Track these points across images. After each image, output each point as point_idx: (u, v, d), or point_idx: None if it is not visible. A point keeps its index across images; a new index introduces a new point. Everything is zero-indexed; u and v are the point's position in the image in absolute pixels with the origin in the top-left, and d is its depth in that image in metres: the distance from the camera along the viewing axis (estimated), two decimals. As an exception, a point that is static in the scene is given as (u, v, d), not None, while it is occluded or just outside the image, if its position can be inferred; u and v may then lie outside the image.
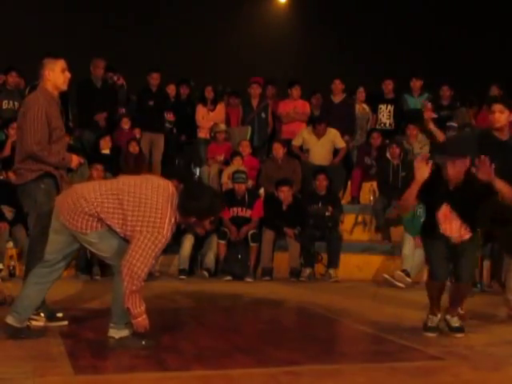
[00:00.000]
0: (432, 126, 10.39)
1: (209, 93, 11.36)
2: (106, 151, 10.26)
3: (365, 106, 11.63)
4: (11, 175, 8.00)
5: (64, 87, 5.82)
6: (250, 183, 9.97)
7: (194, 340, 5.36)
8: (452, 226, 5.65)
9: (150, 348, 4.90)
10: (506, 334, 5.90)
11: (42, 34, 14.40)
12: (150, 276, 8.81)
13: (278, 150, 10.37)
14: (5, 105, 10.55)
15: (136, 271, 4.63)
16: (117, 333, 4.93)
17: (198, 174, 11.21)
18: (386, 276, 8.70)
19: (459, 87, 11.82)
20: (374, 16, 16.80)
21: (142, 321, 4.83)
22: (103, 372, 4.34)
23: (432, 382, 4.38)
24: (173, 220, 4.75)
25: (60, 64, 5.72)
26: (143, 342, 4.93)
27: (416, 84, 11.43)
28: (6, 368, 4.25)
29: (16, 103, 10.31)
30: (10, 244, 8.67)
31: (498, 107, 6.43)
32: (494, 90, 11.13)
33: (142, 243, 4.64)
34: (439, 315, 5.80)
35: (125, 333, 4.93)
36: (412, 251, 8.83)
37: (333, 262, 9.22)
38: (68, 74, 5.77)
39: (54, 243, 5.03)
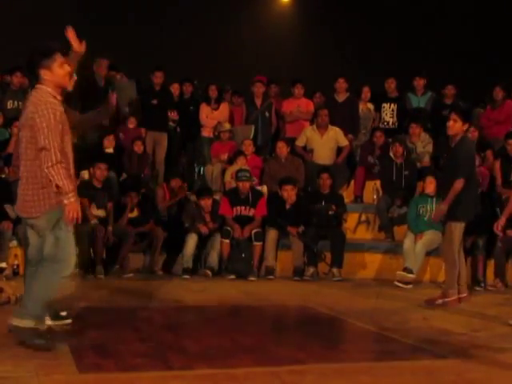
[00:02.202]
0: None
1: (213, 92, 11.35)
2: (110, 150, 10.26)
3: (370, 105, 11.60)
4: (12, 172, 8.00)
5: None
6: (255, 181, 9.98)
7: (198, 339, 5.35)
8: None
9: (46, 349, 4.66)
10: (509, 333, 5.90)
11: (47, 35, 14.38)
12: (152, 274, 8.95)
13: (282, 149, 10.34)
14: (9, 105, 10.59)
15: (45, 146, 4.64)
16: (19, 322, 4.74)
17: (201, 172, 11.20)
18: (397, 283, 8.64)
19: (462, 87, 11.80)
20: (376, 15, 16.79)
21: (73, 203, 4.71)
22: (107, 371, 4.33)
23: (436, 381, 4.37)
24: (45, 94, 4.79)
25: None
26: (40, 342, 4.72)
27: (419, 83, 11.39)
28: (11, 367, 4.26)
29: (20, 103, 10.32)
30: (14, 243, 8.67)
31: (452, 116, 7.08)
32: (498, 92, 11.10)
33: (38, 129, 4.67)
34: None
35: (28, 324, 4.73)
36: (412, 246, 8.88)
37: (336, 261, 9.21)
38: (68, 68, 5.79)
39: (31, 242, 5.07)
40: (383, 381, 4.32)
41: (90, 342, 5.10)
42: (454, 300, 7.13)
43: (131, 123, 10.89)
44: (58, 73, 4.88)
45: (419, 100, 11.38)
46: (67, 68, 4.94)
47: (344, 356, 5.07)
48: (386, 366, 4.71)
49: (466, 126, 7.15)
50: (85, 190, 9.01)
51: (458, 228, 7.09)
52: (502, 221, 6.69)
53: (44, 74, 4.85)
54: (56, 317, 5.63)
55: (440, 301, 7.15)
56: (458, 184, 6.98)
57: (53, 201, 4.79)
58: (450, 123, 7.07)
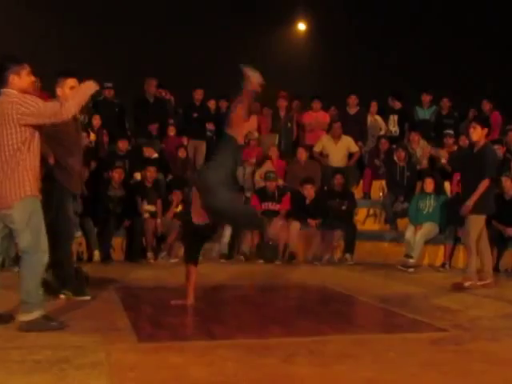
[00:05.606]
0: None
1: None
2: (155, 155, 10.25)
3: (377, 117, 11.51)
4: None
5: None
6: (281, 182, 9.96)
7: (236, 313, 5.35)
8: None
9: (61, 328, 4.41)
10: (499, 310, 5.81)
11: (98, 63, 14.43)
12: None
13: (302, 154, 10.34)
14: None
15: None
16: (26, 316, 4.40)
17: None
18: (400, 267, 8.55)
19: (457, 100, 11.69)
20: (383, 43, 16.69)
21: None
22: (162, 340, 4.31)
23: (438, 350, 4.30)
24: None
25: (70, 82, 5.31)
26: (53, 323, 4.45)
27: (426, 98, 11.31)
28: (80, 337, 4.25)
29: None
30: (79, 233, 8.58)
31: (472, 124, 6.95)
32: (485, 105, 10.95)
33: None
34: None
35: (33, 316, 4.39)
36: (412, 235, 8.81)
37: (349, 248, 9.18)
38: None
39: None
40: (393, 349, 4.24)
41: (145, 315, 5.10)
42: (473, 284, 6.84)
43: (171, 131, 10.89)
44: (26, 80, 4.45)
45: (425, 112, 11.31)
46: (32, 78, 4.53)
47: (359, 328, 5.03)
48: (394, 337, 4.64)
49: (485, 131, 6.82)
50: (138, 189, 9.08)
51: (479, 220, 6.81)
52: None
53: (12, 79, 4.38)
54: (78, 292, 5.59)
55: (467, 283, 6.82)
56: (486, 183, 6.68)
57: (27, 188, 4.32)
58: (471, 130, 6.82)
